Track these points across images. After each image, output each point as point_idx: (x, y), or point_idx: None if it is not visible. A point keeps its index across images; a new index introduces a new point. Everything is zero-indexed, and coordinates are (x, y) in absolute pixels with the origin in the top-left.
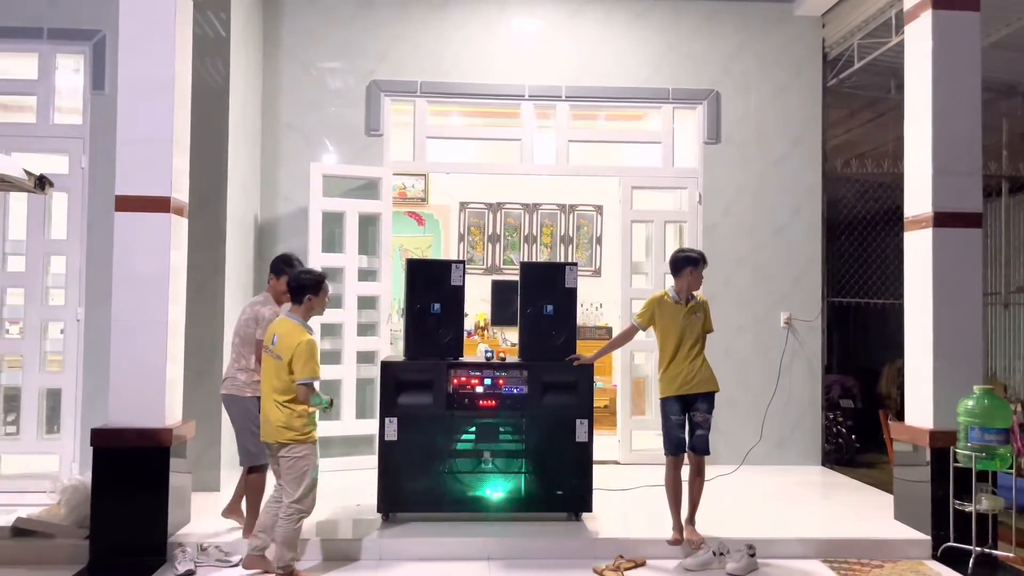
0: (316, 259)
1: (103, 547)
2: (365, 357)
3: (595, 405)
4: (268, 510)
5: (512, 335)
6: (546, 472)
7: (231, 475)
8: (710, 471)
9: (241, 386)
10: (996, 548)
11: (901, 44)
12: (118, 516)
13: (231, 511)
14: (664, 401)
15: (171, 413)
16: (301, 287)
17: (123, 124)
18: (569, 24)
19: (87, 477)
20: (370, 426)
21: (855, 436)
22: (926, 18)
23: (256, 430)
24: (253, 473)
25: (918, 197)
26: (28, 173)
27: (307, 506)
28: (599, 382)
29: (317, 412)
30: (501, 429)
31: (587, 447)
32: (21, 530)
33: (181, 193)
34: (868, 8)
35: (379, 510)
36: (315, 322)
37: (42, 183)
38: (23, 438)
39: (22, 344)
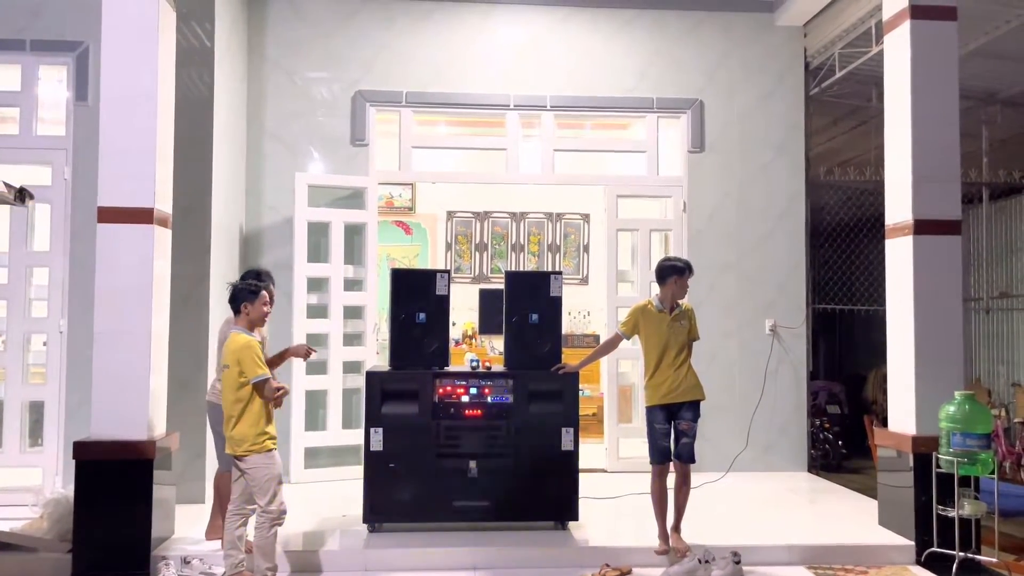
0: (301, 269)
1: (86, 561)
2: (351, 367)
3: (583, 413)
4: (229, 527)
5: (500, 344)
6: (532, 481)
7: None
8: (696, 478)
9: (218, 393)
10: (979, 553)
11: (881, 54)
12: (101, 529)
13: (213, 532)
14: (649, 410)
15: (155, 425)
16: (235, 297)
17: (106, 135)
18: (554, 34)
19: (70, 490)
20: (356, 436)
21: (841, 442)
22: (905, 28)
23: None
24: (223, 475)
25: (898, 205)
26: (7, 186)
27: (276, 511)
28: (587, 390)
29: (273, 422)
30: (487, 438)
31: (573, 455)
32: (3, 544)
33: (164, 204)
34: (848, 18)
35: (365, 520)
36: (300, 332)
37: (22, 195)
38: (6, 451)
39: (4, 356)
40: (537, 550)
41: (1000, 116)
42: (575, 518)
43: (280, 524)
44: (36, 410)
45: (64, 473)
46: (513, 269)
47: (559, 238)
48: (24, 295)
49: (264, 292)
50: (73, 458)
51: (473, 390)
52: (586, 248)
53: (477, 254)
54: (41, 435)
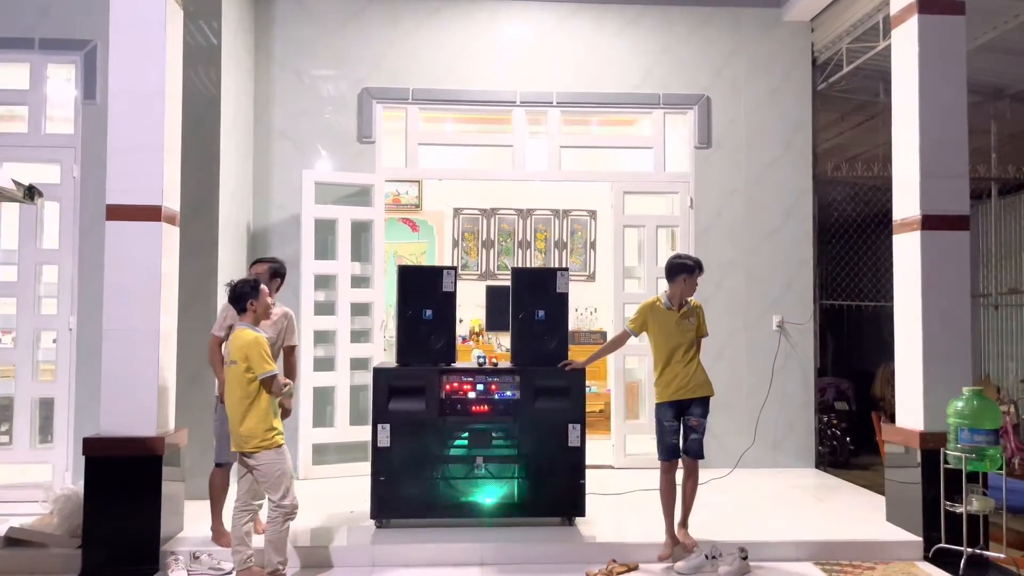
0: (309, 266)
1: (96, 556)
2: (358, 364)
3: (590, 410)
4: (236, 523)
5: (507, 340)
6: (539, 477)
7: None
8: (704, 474)
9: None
10: (987, 549)
11: (889, 48)
12: (111, 525)
13: (218, 536)
14: (658, 407)
15: (163, 421)
16: (240, 296)
17: (114, 133)
18: (560, 30)
19: (80, 486)
20: (363, 433)
21: (849, 438)
22: (912, 22)
23: (222, 426)
24: (218, 470)
25: (906, 200)
26: (17, 184)
27: (289, 506)
28: (594, 386)
29: (279, 417)
30: (494, 434)
31: (580, 452)
32: (14, 540)
33: (172, 202)
34: (856, 13)
35: (372, 516)
36: (307, 329)
37: (31, 193)
38: (15, 448)
39: (14, 353)
40: (544, 546)
41: (1009, 111)
42: (582, 514)
43: (293, 518)
44: (46, 407)
45: (74, 469)
46: (520, 266)
47: (566, 235)
48: (34, 292)
49: (263, 286)
50: (83, 454)
51: (480, 386)
52: (593, 244)
53: (484, 251)
54: (51, 431)
